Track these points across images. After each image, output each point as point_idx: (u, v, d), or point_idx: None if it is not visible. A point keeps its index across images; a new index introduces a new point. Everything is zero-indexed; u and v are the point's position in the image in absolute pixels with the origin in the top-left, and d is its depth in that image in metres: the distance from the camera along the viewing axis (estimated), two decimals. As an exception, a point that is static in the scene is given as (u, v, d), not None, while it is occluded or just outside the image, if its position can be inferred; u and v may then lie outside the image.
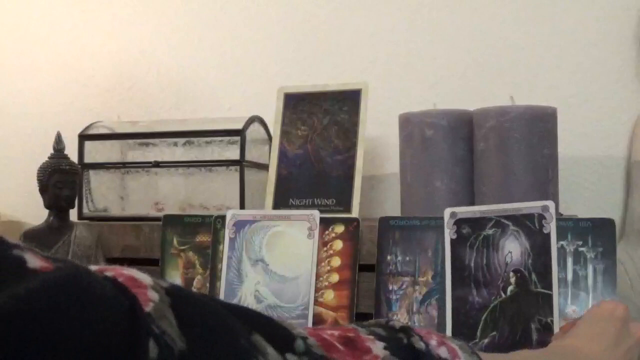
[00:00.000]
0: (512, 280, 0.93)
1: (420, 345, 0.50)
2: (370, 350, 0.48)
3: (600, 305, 0.80)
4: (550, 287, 0.89)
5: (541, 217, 0.92)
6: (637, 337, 0.74)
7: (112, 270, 0.41)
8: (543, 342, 0.87)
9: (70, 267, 0.38)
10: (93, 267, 0.40)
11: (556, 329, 0.87)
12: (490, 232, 0.94)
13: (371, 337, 0.50)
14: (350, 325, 0.52)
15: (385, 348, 0.49)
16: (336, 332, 0.49)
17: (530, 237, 0.92)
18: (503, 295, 0.91)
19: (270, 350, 0.43)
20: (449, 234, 0.97)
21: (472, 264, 0.96)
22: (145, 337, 0.37)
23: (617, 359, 0.71)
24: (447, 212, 0.98)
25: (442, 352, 0.51)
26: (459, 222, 0.98)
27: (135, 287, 0.40)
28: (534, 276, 0.91)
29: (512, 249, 0.93)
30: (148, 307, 0.39)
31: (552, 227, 0.91)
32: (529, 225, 0.92)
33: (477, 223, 0.94)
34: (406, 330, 0.52)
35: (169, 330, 0.38)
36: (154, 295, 0.40)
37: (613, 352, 0.71)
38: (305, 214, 1.08)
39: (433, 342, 0.52)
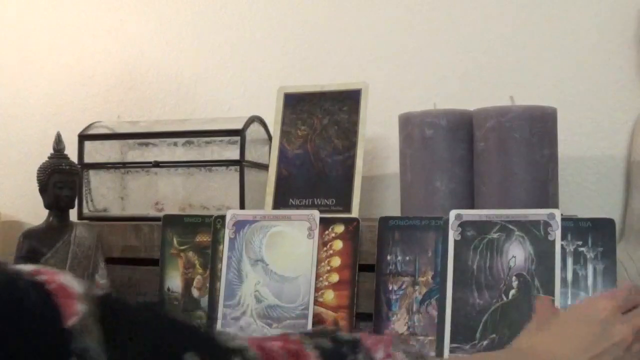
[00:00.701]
0: (515, 284, 0.93)
1: None
2: None
3: (583, 304, 0.76)
4: (552, 293, 0.89)
5: (547, 224, 0.92)
6: (616, 340, 0.70)
7: (46, 274, 0.40)
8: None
9: None
10: (28, 268, 0.39)
11: None
12: (495, 236, 0.94)
13: (314, 352, 0.49)
14: (297, 336, 0.51)
15: None
16: (280, 344, 0.48)
17: (535, 244, 0.92)
18: (505, 299, 0.91)
19: None
20: (452, 236, 0.98)
21: (475, 266, 0.96)
22: (66, 356, 0.36)
23: None
24: (453, 214, 0.98)
25: None
26: (464, 225, 0.98)
27: (64, 296, 0.38)
28: (536, 281, 0.91)
29: (516, 253, 0.93)
30: (72, 321, 0.37)
31: (557, 235, 0.91)
32: (534, 231, 0.92)
33: (482, 226, 0.94)
34: (353, 343, 0.51)
35: (92, 347, 0.37)
36: (81, 308, 0.38)
37: (580, 356, 0.68)
38: (305, 214, 1.08)
39: (379, 355, 0.51)
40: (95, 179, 1.41)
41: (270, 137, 1.34)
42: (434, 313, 1.00)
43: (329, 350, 0.50)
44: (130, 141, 1.43)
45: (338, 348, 0.50)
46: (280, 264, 1.07)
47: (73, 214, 1.31)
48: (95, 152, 1.41)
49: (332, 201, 1.16)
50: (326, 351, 0.49)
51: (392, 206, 1.35)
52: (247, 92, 1.51)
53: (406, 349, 0.54)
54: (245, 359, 0.44)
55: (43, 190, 1.27)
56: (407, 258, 1.03)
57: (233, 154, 1.32)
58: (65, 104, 1.64)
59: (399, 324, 1.03)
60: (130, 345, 0.39)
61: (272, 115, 1.24)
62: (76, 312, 0.37)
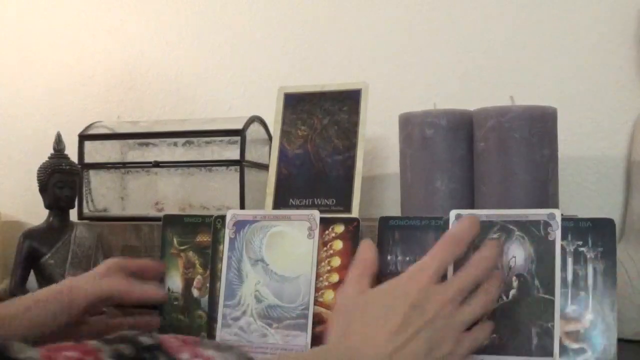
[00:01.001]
0: (515, 284, 0.93)
1: None
2: None
3: (391, 285, 0.71)
4: (552, 293, 0.89)
5: (547, 224, 0.92)
6: (430, 316, 0.67)
7: None
8: (543, 347, 0.87)
9: None
10: None
11: (556, 335, 0.87)
12: (495, 236, 0.94)
13: None
14: (95, 344, 0.50)
15: None
16: (74, 353, 0.48)
17: (535, 244, 0.92)
18: (505, 299, 0.91)
19: None
20: None
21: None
22: None
23: (391, 351, 0.65)
24: (453, 214, 0.98)
25: None
26: None
27: None
28: (536, 281, 0.91)
29: (517, 254, 0.93)
30: None
31: (557, 235, 0.91)
32: (535, 231, 0.92)
33: (482, 226, 0.93)
34: (155, 347, 0.51)
35: None
36: None
37: (383, 349, 0.65)
38: (305, 214, 1.08)
39: (184, 356, 0.51)
40: (95, 179, 1.41)
41: (270, 137, 1.34)
42: (434, 313, 1.00)
43: (128, 356, 0.49)
44: (130, 141, 1.43)
45: (138, 353, 0.50)
46: (281, 264, 1.07)
47: (73, 214, 1.31)
48: (95, 152, 1.41)
49: (332, 201, 1.16)
50: (125, 357, 0.49)
51: (392, 206, 1.35)
52: (247, 92, 1.51)
53: (219, 346, 0.53)
54: None
55: (43, 190, 1.27)
56: (407, 258, 1.03)
57: (233, 154, 1.32)
58: (65, 104, 1.64)
59: (399, 324, 1.02)
60: None
61: (272, 115, 1.24)
62: None
